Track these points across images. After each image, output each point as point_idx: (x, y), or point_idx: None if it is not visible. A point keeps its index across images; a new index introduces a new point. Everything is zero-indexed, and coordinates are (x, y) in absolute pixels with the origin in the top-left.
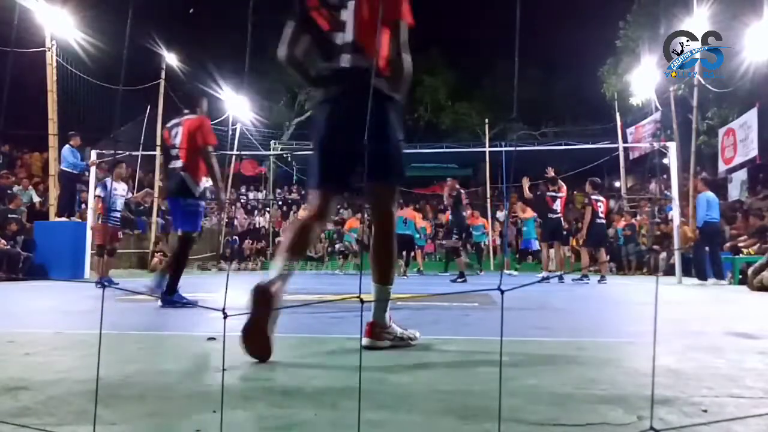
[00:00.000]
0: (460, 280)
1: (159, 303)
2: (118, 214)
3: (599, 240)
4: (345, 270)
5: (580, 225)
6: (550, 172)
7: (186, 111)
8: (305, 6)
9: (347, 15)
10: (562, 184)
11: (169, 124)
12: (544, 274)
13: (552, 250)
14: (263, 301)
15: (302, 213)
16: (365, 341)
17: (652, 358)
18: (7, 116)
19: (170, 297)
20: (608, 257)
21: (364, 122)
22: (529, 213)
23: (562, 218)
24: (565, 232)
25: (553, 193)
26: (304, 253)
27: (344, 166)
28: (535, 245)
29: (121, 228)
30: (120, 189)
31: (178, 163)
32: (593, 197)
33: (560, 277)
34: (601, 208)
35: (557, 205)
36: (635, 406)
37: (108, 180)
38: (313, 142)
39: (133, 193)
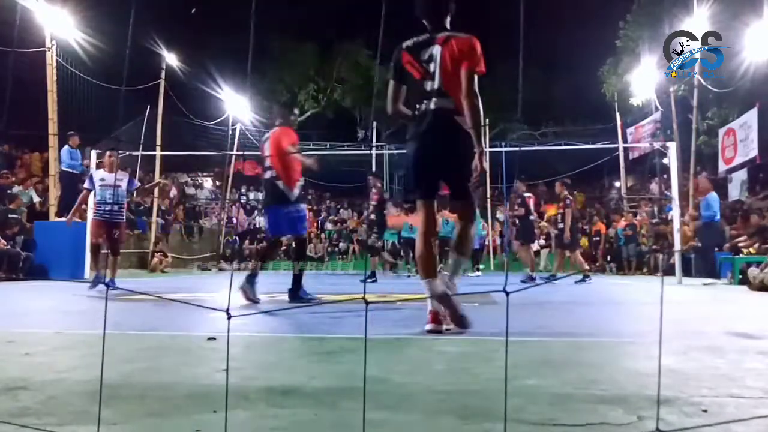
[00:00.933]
0: (370, 280)
1: (287, 299)
2: (107, 207)
3: (529, 235)
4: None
5: (581, 225)
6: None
7: (277, 123)
8: (401, 61)
9: (434, 67)
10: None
11: (263, 138)
12: (538, 275)
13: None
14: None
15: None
16: (429, 326)
17: (652, 357)
18: (7, 116)
19: (296, 293)
20: (609, 257)
21: (448, 150)
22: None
23: (534, 219)
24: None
25: (524, 195)
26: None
27: (434, 182)
28: (476, 244)
29: (115, 223)
30: (109, 179)
31: (273, 174)
32: (525, 194)
33: (552, 277)
34: (532, 205)
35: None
36: (635, 406)
37: (94, 171)
38: (408, 165)
39: (141, 184)
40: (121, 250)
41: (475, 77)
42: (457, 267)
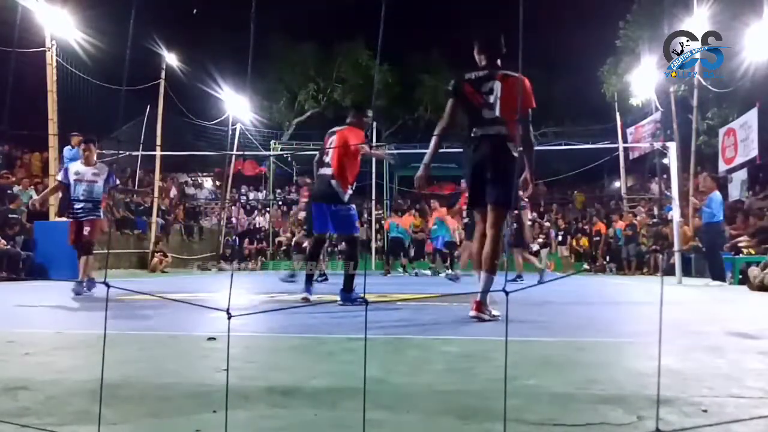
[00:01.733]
0: (320, 279)
1: (339, 301)
2: (80, 205)
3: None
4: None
5: (581, 225)
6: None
7: (348, 121)
8: (464, 90)
9: (494, 98)
10: None
11: (329, 132)
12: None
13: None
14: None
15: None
16: (472, 313)
17: (652, 357)
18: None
19: (348, 294)
20: (608, 257)
21: (497, 170)
22: (442, 212)
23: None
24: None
25: None
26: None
27: (483, 195)
28: (439, 243)
29: (88, 220)
30: (85, 173)
31: (329, 171)
32: (525, 199)
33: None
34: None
35: None
36: (635, 406)
37: (69, 164)
38: (466, 180)
39: (124, 184)
40: (94, 250)
41: (527, 114)
42: (487, 285)
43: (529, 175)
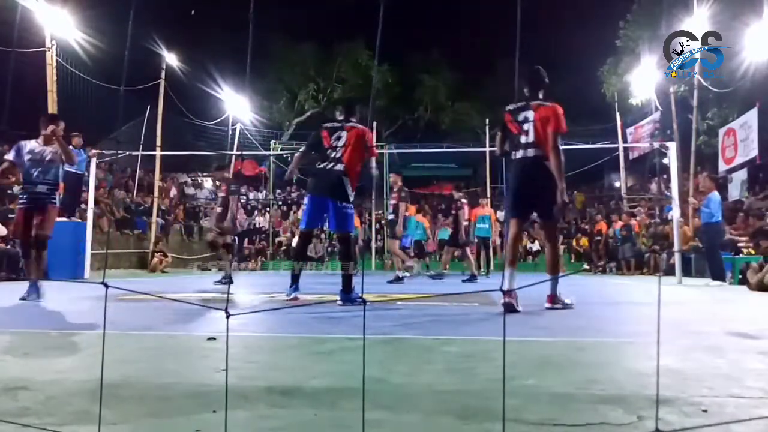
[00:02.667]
0: (224, 281)
1: (338, 301)
2: (33, 189)
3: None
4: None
5: (582, 224)
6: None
7: (341, 118)
8: (504, 120)
9: (528, 126)
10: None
11: (327, 125)
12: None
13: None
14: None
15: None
16: (547, 305)
17: (652, 357)
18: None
19: (348, 295)
20: (608, 257)
21: (536, 186)
22: (412, 210)
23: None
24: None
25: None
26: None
27: (525, 207)
28: (407, 242)
29: (43, 208)
30: (41, 153)
31: (340, 167)
32: (463, 200)
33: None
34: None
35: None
36: (635, 406)
37: (24, 142)
38: (508, 194)
39: (125, 184)
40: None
41: (558, 136)
42: (555, 281)
43: (561, 191)
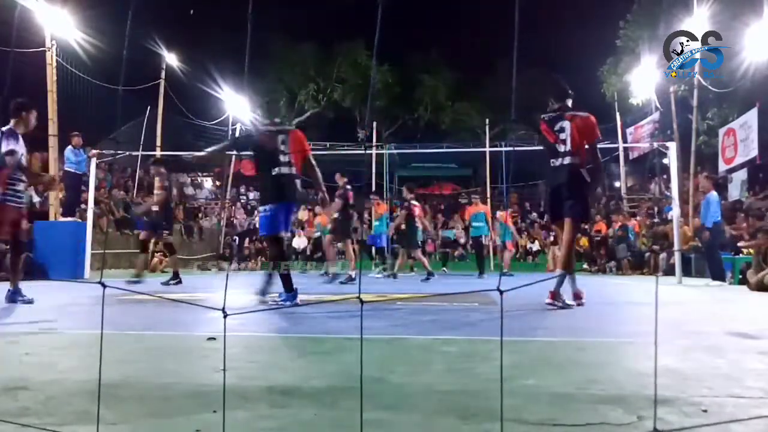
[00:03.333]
0: (173, 281)
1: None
2: (21, 187)
3: (411, 241)
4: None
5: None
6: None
7: (278, 121)
8: (540, 128)
9: (565, 135)
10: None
11: (265, 129)
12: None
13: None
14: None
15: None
16: (548, 301)
17: (652, 357)
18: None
19: (290, 294)
20: (608, 257)
21: (570, 190)
22: (383, 209)
23: (418, 227)
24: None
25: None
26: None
27: (560, 211)
28: (382, 242)
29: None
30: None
31: (294, 170)
32: (413, 202)
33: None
34: (417, 212)
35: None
36: (635, 406)
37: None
38: (548, 198)
39: (125, 185)
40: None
41: (596, 144)
42: (560, 278)
43: (600, 190)
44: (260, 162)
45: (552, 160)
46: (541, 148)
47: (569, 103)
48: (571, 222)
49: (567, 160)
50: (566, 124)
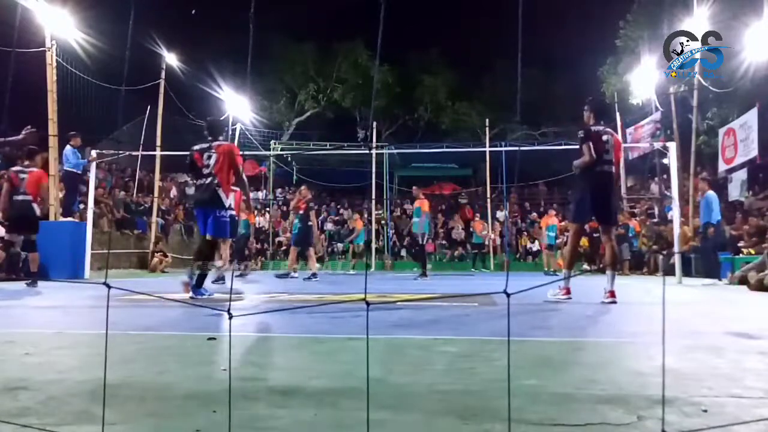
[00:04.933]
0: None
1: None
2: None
3: (303, 240)
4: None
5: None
6: None
7: (210, 138)
8: (592, 137)
9: (608, 147)
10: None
11: (202, 147)
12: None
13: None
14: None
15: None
16: (607, 299)
17: (652, 357)
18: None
19: (199, 290)
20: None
21: (610, 197)
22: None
23: (311, 225)
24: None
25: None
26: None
27: (590, 212)
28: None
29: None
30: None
31: (214, 180)
32: (311, 203)
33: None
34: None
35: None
36: (635, 406)
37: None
38: (584, 201)
39: (125, 185)
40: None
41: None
42: (566, 277)
43: (620, 199)
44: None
45: (597, 166)
46: (571, 149)
47: (602, 121)
48: (612, 226)
49: (610, 168)
50: (610, 138)
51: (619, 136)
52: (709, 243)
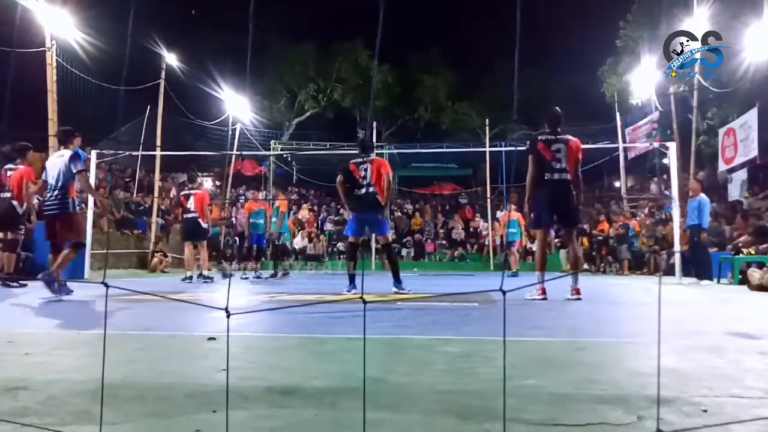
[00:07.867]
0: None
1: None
2: (47, 195)
3: (191, 235)
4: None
5: (581, 224)
6: None
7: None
8: (538, 148)
9: (561, 155)
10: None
11: (353, 161)
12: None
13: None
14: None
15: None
16: (575, 297)
17: (652, 357)
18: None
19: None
20: (609, 257)
21: (565, 202)
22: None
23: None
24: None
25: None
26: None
27: (551, 218)
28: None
29: (52, 215)
30: (52, 159)
31: (372, 190)
32: (182, 194)
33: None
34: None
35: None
36: (635, 406)
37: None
38: (541, 208)
39: (125, 185)
40: (70, 247)
41: (579, 163)
42: (576, 277)
43: (580, 203)
44: None
45: (546, 175)
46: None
47: (560, 129)
48: (573, 229)
49: (564, 176)
50: (563, 146)
51: (619, 137)
52: (699, 245)
